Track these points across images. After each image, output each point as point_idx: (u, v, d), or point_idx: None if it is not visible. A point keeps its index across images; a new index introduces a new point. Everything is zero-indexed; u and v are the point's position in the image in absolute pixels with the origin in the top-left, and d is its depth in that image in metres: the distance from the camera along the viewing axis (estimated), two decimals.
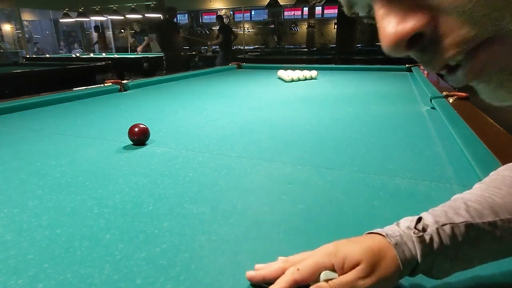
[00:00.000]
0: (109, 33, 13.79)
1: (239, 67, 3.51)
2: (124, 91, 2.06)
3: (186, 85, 2.33)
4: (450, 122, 1.10)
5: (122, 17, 8.03)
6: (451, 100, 1.34)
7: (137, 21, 8.54)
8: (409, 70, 2.91)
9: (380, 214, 0.59)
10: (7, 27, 11.68)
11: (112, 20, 12.48)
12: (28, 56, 7.46)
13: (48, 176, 0.77)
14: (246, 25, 16.64)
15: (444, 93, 1.45)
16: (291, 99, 1.76)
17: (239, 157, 0.88)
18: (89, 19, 8.18)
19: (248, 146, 0.98)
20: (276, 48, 12.63)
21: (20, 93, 1.70)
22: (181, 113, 1.45)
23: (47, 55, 7.97)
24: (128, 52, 8.23)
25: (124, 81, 2.14)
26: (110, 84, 2.05)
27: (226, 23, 7.20)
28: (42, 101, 1.61)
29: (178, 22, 16.48)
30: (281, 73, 2.54)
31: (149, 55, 6.35)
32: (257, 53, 11.38)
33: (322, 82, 2.41)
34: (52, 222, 0.57)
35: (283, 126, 1.21)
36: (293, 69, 2.67)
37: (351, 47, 8.55)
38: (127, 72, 8.43)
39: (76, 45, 11.65)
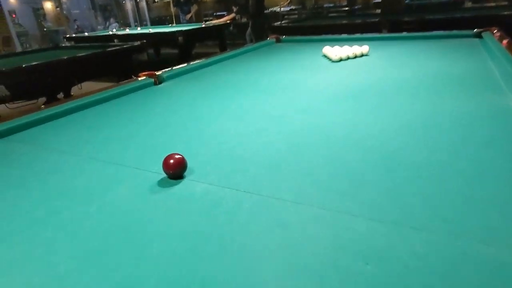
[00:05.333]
0: (143, 4, 13.68)
1: (278, 40, 3.25)
2: (159, 83, 1.94)
3: (222, 72, 2.15)
4: None
5: None
6: None
7: None
8: (478, 36, 2.48)
9: None
10: (48, 5, 11.97)
11: None
12: (68, 36, 7.58)
13: (78, 234, 0.67)
14: None
15: None
16: (343, 90, 1.53)
17: (294, 202, 0.72)
18: None
19: (302, 181, 0.81)
20: (315, 9, 11.82)
21: (61, 82, 1.61)
22: (220, 119, 1.30)
23: (86, 34, 8.07)
24: (168, 25, 8.12)
25: (159, 72, 2.01)
26: (145, 77, 1.94)
27: None
28: (71, 108, 1.52)
29: None
30: (328, 50, 2.27)
31: (183, 28, 6.18)
32: (295, 17, 10.73)
33: (375, 60, 2.11)
34: None
35: (340, 140, 1.01)
36: (340, 43, 2.37)
37: (398, 2, 7.71)
38: (164, 47, 8.38)
39: (112, 20, 11.71)
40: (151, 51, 8.78)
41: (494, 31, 2.37)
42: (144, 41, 4.21)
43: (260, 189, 0.78)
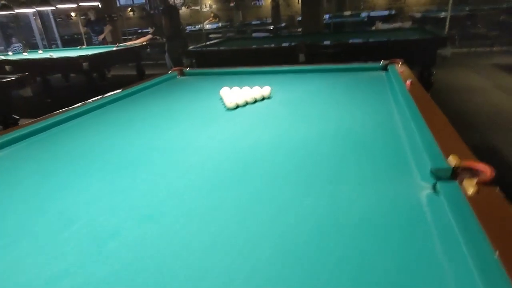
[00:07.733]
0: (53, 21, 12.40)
1: (181, 73, 2.87)
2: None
3: (91, 128, 1.68)
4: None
5: (53, 7, 6.98)
6: (470, 188, 0.79)
7: (92, 8, 7.83)
8: (385, 68, 2.36)
9: None
10: None
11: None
12: None
13: None
14: (208, 0, 15.61)
15: (453, 162, 0.90)
16: (228, 164, 1.17)
17: None
18: (14, 12, 7.04)
19: None
20: (242, 27, 11.73)
21: None
22: (15, 249, 0.84)
23: None
24: (77, 47, 7.30)
25: None
26: None
27: (173, 3, 6.52)
28: None
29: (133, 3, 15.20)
30: (224, 93, 1.93)
31: (89, 52, 5.51)
32: (220, 34, 10.51)
33: (276, 106, 1.82)
34: None
35: None
36: (243, 76, 2.06)
37: (317, 21, 7.90)
38: (71, 73, 7.50)
39: (14, 39, 10.31)
40: (59, 75, 7.86)
41: (399, 64, 2.26)
42: (27, 74, 3.51)
43: None
